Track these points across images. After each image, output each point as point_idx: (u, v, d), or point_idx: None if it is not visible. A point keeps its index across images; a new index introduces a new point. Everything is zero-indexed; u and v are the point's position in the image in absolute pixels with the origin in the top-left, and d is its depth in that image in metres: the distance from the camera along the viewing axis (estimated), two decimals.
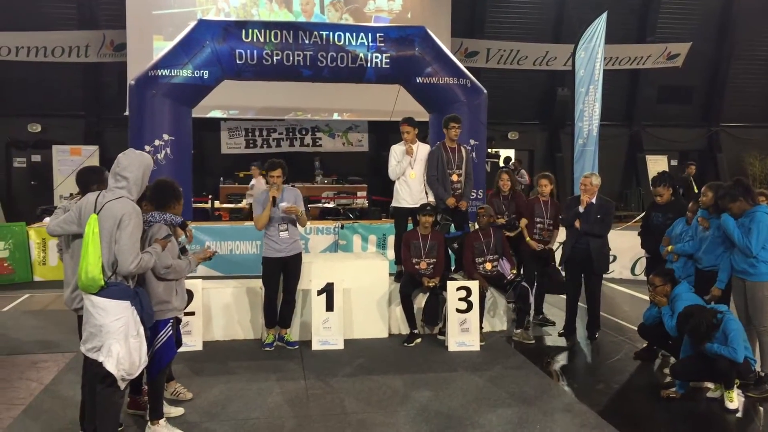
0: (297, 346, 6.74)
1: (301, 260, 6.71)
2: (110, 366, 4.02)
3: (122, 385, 4.13)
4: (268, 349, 6.63)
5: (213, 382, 5.72)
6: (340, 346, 6.69)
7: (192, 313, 6.50)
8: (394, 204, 7.76)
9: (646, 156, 18.79)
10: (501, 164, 17.03)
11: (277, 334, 6.75)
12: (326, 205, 13.85)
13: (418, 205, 7.34)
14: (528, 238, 7.42)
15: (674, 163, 18.99)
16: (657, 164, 18.61)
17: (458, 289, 6.72)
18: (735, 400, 5.31)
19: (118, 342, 4.03)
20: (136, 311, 4.13)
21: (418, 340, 6.93)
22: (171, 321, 4.70)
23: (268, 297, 6.64)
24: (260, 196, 6.59)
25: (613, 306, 8.49)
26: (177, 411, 4.97)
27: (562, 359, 6.75)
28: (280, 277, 6.62)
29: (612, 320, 8.02)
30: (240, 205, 13.76)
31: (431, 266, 7.02)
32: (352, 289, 6.97)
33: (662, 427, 5.02)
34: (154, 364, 4.60)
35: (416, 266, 7.03)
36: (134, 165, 4.18)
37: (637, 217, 9.34)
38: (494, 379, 5.90)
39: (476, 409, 5.18)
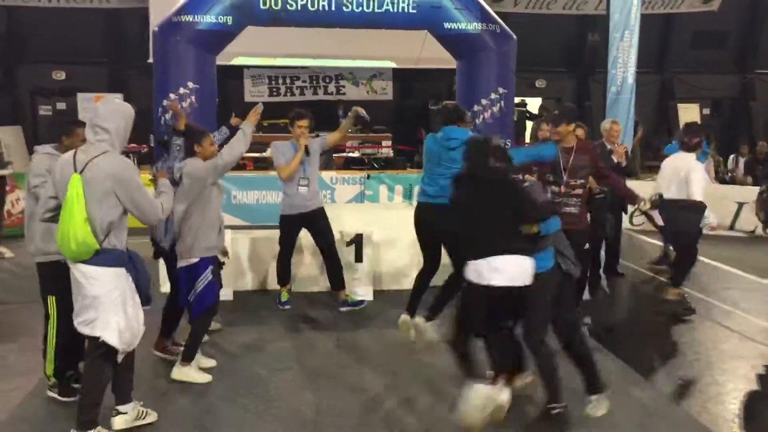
0: (364, 304, 6.41)
1: (326, 215, 6.32)
2: (112, 339, 3.71)
3: (120, 359, 3.83)
4: (286, 307, 6.42)
5: (244, 331, 5.76)
6: (370, 297, 6.68)
7: (222, 263, 6.50)
8: None
9: (678, 104, 18.31)
10: (528, 113, 16.64)
11: (339, 298, 6.39)
12: (351, 154, 13.72)
13: None
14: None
15: (706, 111, 18.49)
16: (688, 112, 18.15)
17: None
18: None
19: (117, 314, 3.71)
20: (131, 277, 3.82)
21: None
22: (213, 262, 4.69)
23: (283, 255, 6.39)
24: (282, 147, 6.28)
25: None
26: (209, 362, 4.98)
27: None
28: (297, 236, 6.38)
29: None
30: (264, 154, 13.68)
31: None
32: (382, 240, 6.92)
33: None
34: (195, 306, 4.65)
35: None
36: (115, 114, 3.74)
37: None
38: None
39: None
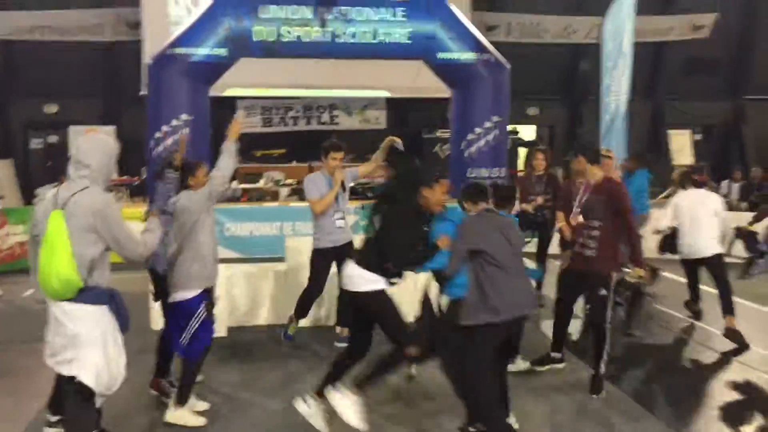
0: None
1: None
2: (88, 379, 3.56)
3: (99, 402, 3.70)
4: (288, 340, 6.17)
5: (239, 369, 5.60)
6: None
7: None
8: None
9: (669, 130, 18.38)
10: (520, 141, 16.61)
11: (341, 334, 6.19)
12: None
13: None
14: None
15: (698, 137, 18.55)
16: (680, 139, 18.21)
17: None
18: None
19: (97, 353, 3.58)
20: (114, 316, 3.69)
21: None
22: (205, 298, 4.56)
23: (313, 289, 6.09)
24: (315, 179, 6.02)
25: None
26: (202, 405, 4.80)
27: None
28: (330, 269, 6.14)
29: None
30: (258, 185, 13.61)
31: None
32: None
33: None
34: (191, 347, 4.50)
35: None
36: (96, 150, 3.69)
37: (663, 194, 9.05)
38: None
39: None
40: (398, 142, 5.95)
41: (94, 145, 3.74)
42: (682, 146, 17.97)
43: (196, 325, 4.49)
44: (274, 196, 12.48)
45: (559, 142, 17.73)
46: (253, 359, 5.92)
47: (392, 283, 4.19)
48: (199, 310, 4.52)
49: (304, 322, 6.71)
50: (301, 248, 7.04)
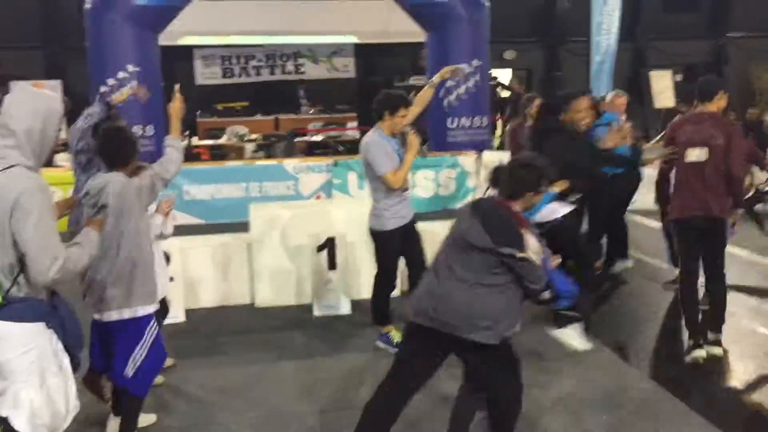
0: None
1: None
2: (20, 422, 2.69)
3: None
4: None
5: (200, 364, 4.82)
6: (347, 310, 5.79)
7: (170, 279, 5.52)
8: None
9: (650, 72, 17.73)
10: (501, 85, 15.88)
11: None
12: (314, 138, 12.78)
13: None
14: None
15: (679, 78, 17.94)
16: (662, 80, 17.58)
17: None
18: None
19: (31, 385, 2.70)
20: (56, 336, 2.79)
21: None
22: (155, 314, 3.58)
23: (389, 283, 4.99)
24: (383, 144, 4.79)
25: None
26: (149, 419, 3.93)
27: None
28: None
29: None
30: (221, 141, 12.66)
31: None
32: (357, 242, 5.92)
33: None
34: (139, 378, 3.49)
35: None
36: (26, 109, 2.70)
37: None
38: None
39: None
40: (463, 69, 5.04)
41: (21, 103, 2.73)
42: (663, 88, 17.36)
43: (146, 352, 3.47)
44: (239, 153, 11.57)
45: (537, 87, 16.97)
46: (218, 351, 5.11)
47: None
48: (149, 329, 3.51)
49: (279, 301, 6.00)
50: (267, 215, 6.26)
